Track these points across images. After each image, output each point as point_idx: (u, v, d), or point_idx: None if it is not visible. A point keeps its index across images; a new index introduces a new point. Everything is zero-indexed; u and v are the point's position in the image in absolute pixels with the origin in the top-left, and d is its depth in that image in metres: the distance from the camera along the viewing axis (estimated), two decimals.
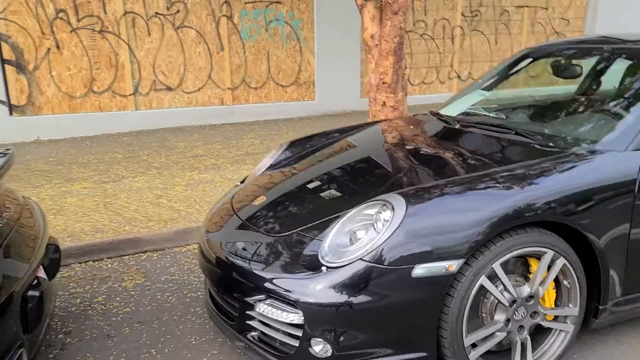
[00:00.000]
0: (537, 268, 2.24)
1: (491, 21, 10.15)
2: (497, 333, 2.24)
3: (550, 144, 2.62)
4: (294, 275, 2.14)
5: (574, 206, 2.24)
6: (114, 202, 4.74)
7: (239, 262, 2.34)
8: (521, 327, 2.28)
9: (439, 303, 2.09)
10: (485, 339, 2.23)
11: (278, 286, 2.15)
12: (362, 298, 2.03)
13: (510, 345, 2.32)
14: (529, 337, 2.29)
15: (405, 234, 2.06)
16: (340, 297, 2.03)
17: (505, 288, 2.21)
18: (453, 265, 2.07)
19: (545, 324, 2.32)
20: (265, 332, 2.28)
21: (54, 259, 2.62)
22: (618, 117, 2.67)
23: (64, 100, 7.83)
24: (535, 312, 2.29)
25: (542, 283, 2.26)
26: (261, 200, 2.74)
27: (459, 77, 10.19)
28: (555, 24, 10.65)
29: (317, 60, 9.02)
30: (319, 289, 2.06)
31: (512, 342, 2.28)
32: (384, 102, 5.36)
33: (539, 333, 2.39)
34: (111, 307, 3.19)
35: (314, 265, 2.14)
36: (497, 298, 2.20)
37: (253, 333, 2.34)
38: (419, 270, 2.04)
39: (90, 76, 7.84)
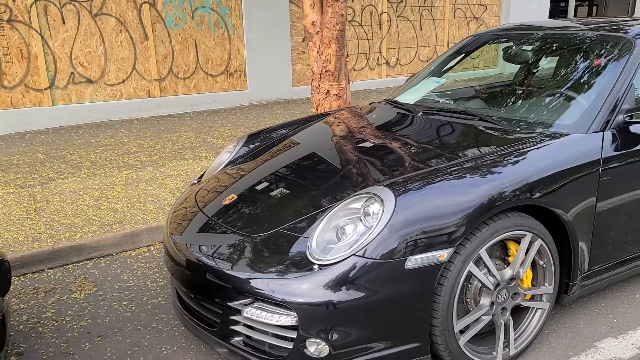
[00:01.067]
0: (518, 251, 2.30)
1: (416, 7, 10.37)
2: (483, 317, 2.28)
3: (516, 129, 2.69)
4: (284, 275, 2.06)
5: (547, 188, 2.31)
6: (45, 207, 4.38)
7: (219, 266, 2.22)
8: (504, 309, 2.33)
9: (431, 293, 2.09)
10: (472, 324, 2.26)
11: (267, 288, 2.06)
12: (357, 294, 1.98)
13: (490, 327, 2.38)
14: (511, 318, 2.35)
15: (397, 226, 2.03)
16: (336, 295, 1.97)
17: (489, 272, 2.24)
18: (444, 254, 2.07)
19: (524, 303, 2.39)
20: (252, 336, 2.18)
21: (3, 274, 2.36)
22: (576, 101, 2.79)
23: None
24: (515, 293, 2.35)
25: (522, 264, 2.32)
26: (231, 198, 2.62)
27: (387, 63, 10.35)
28: (474, 10, 11.08)
29: (247, 49, 8.81)
30: (312, 288, 1.99)
31: (495, 324, 2.33)
32: (328, 91, 5.32)
33: (516, 313, 2.46)
34: (64, 321, 2.94)
35: (303, 264, 2.06)
36: (483, 283, 2.23)
37: (237, 338, 2.23)
38: (412, 261, 2.03)
39: (0, 70, 7.19)
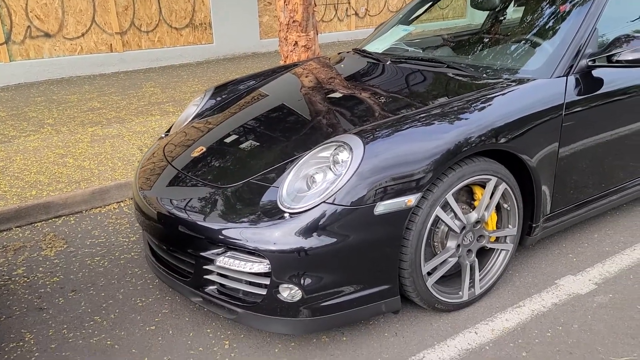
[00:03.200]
0: (483, 194, 2.36)
1: None
2: (449, 259, 2.36)
3: (483, 75, 2.72)
4: (256, 224, 2.08)
5: (511, 132, 2.36)
6: (9, 165, 4.28)
7: (191, 217, 2.22)
8: (469, 251, 2.42)
9: (399, 237, 2.14)
10: (438, 266, 2.35)
11: (239, 237, 2.08)
12: (327, 240, 2.02)
13: (457, 269, 2.47)
14: (476, 260, 2.44)
15: (366, 173, 2.06)
16: (306, 242, 2.01)
17: (456, 216, 2.31)
18: (412, 199, 2.12)
19: (489, 245, 2.48)
20: (226, 284, 2.21)
21: None
22: (541, 46, 2.81)
23: None
24: (481, 236, 2.44)
25: (487, 208, 2.39)
26: (200, 150, 2.60)
27: (356, 14, 10.20)
28: None
29: (212, 0, 8.54)
30: (284, 236, 2.02)
31: (461, 265, 2.42)
32: (296, 42, 5.23)
33: (481, 254, 2.55)
34: (35, 278, 2.93)
35: (274, 213, 2.08)
36: (449, 226, 2.30)
37: (212, 287, 2.27)
38: (381, 207, 2.07)
39: None
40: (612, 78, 2.74)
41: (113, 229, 3.46)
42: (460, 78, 2.75)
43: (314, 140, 2.35)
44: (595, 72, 2.69)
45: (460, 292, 2.44)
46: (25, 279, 2.93)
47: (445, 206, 2.27)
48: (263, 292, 2.11)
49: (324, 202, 2.04)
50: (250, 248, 2.06)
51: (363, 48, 3.56)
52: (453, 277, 2.50)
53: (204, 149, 2.60)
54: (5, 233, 3.49)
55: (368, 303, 2.18)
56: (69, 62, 7.67)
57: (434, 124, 2.24)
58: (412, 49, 3.36)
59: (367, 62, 3.26)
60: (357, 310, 2.18)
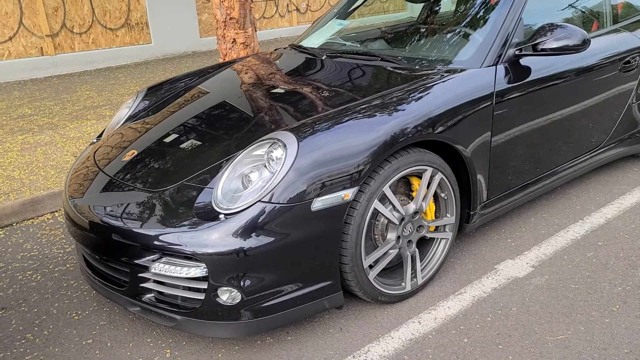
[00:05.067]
0: (420, 185, 2.38)
1: None
2: (390, 251, 2.37)
3: (416, 67, 2.74)
4: (190, 228, 2.02)
5: (444, 122, 2.39)
6: None
7: (123, 224, 2.14)
8: (409, 241, 2.43)
9: (338, 232, 2.13)
10: (380, 258, 2.35)
11: (173, 242, 2.01)
12: (265, 239, 1.99)
13: (399, 260, 2.48)
14: (417, 250, 2.46)
15: (301, 170, 2.03)
16: (244, 242, 1.96)
17: (394, 208, 2.32)
18: (348, 193, 2.11)
19: (429, 234, 2.51)
20: (163, 291, 2.14)
21: None
22: (470, 37, 2.86)
23: None
24: (420, 226, 2.46)
25: (424, 198, 2.41)
26: (131, 154, 2.51)
27: (298, 9, 10.16)
28: None
29: None
30: (219, 238, 1.97)
31: (403, 256, 2.43)
32: (234, 39, 5.15)
33: (422, 244, 2.58)
34: None
35: (209, 215, 2.03)
36: (388, 218, 2.31)
37: (149, 295, 2.19)
38: (318, 203, 2.05)
39: None
40: (540, 66, 2.81)
41: (47, 240, 3.30)
42: (393, 70, 2.77)
43: (249, 139, 2.30)
44: (523, 61, 2.76)
45: (403, 283, 2.45)
46: None
47: (383, 199, 2.27)
48: (201, 296, 2.06)
49: (259, 200, 2.00)
50: (186, 252, 1.99)
51: (299, 44, 3.53)
52: (395, 268, 2.51)
53: (136, 152, 2.51)
54: None
55: (310, 300, 2.16)
56: None
57: (367, 117, 2.24)
58: (348, 43, 3.36)
59: (304, 57, 3.24)
60: (300, 308, 2.15)
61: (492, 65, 2.65)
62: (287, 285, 2.10)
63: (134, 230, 2.10)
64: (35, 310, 2.62)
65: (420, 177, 2.40)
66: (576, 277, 2.59)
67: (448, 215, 2.56)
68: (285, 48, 3.62)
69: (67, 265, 2.99)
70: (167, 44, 8.62)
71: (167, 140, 2.56)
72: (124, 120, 2.98)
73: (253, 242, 1.97)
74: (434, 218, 2.53)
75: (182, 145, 2.48)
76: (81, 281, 2.82)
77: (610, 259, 2.72)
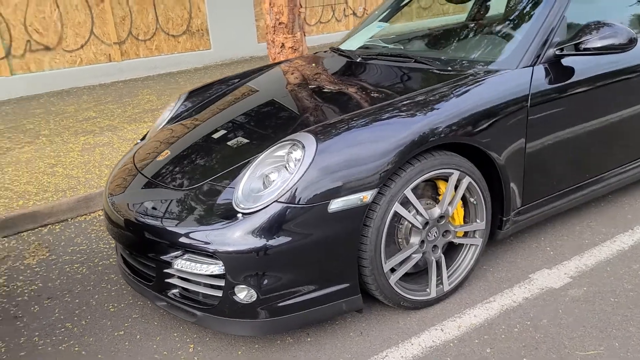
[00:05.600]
0: (446, 189, 2.32)
1: None
2: (413, 255, 2.32)
3: (448, 69, 2.68)
4: (210, 226, 2.07)
5: (474, 126, 2.32)
6: (0, 177, 4.34)
7: (150, 221, 2.23)
8: (435, 246, 2.38)
9: (357, 234, 2.12)
10: (403, 262, 2.31)
11: (194, 239, 2.08)
12: (281, 240, 2.01)
13: (426, 266, 2.43)
14: (443, 256, 2.40)
15: (318, 171, 2.04)
16: (260, 242, 2.00)
17: (417, 212, 2.27)
18: (367, 195, 2.09)
19: (456, 240, 2.44)
20: (187, 287, 2.21)
21: None
22: (508, 37, 2.77)
23: None
24: (447, 231, 2.40)
25: (450, 203, 2.35)
26: (165, 154, 2.61)
27: (354, 13, 10.17)
28: None
29: (207, 6, 8.60)
30: (236, 237, 2.01)
31: (427, 261, 2.38)
32: (283, 44, 5.24)
33: (451, 250, 2.51)
34: (15, 287, 2.96)
35: (229, 214, 2.08)
36: (410, 222, 2.27)
37: (174, 291, 2.27)
38: (335, 204, 2.04)
39: None
40: (584, 66, 2.67)
41: (95, 235, 3.49)
42: (425, 72, 2.72)
43: (274, 139, 2.33)
44: (565, 61, 2.63)
45: (428, 289, 2.40)
46: (5, 288, 2.96)
47: (406, 202, 2.24)
48: (219, 294, 2.11)
49: (276, 201, 2.03)
50: (204, 250, 2.05)
51: (338, 47, 3.54)
52: (422, 273, 2.46)
53: (169, 153, 2.61)
54: None
55: (327, 302, 2.16)
56: (69, 73, 7.77)
57: (390, 119, 2.22)
58: (387, 45, 3.33)
59: (339, 60, 3.24)
60: (317, 310, 2.15)
61: (529, 66, 2.54)
62: (303, 286, 2.10)
63: (159, 227, 2.18)
64: (77, 301, 2.77)
65: (447, 181, 2.35)
66: (617, 290, 2.44)
67: (478, 220, 2.48)
68: (325, 51, 3.64)
69: (110, 260, 3.14)
70: (226, 50, 8.87)
71: (199, 141, 2.64)
72: (165, 122, 3.10)
73: (268, 241, 2.00)
74: (462, 223, 2.46)
75: (212, 146, 2.55)
76: (121, 275, 2.95)
77: None
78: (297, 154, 2.11)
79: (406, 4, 3.74)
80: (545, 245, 2.86)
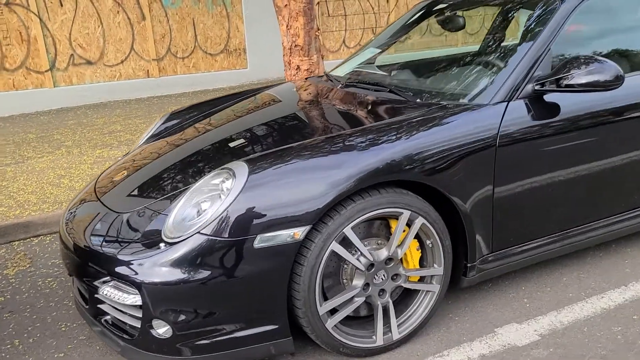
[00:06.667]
0: (394, 230, 2.15)
1: None
2: (356, 298, 2.16)
3: (417, 100, 2.52)
4: (134, 254, 2.00)
5: (432, 165, 2.14)
6: (10, 185, 4.49)
7: (86, 243, 2.18)
8: (382, 290, 2.20)
9: (286, 273, 1.98)
10: (344, 304, 2.15)
11: (118, 266, 2.01)
12: (200, 274, 1.90)
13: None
14: (390, 301, 2.22)
15: (246, 202, 1.93)
16: (177, 275, 1.90)
17: (360, 252, 2.11)
18: (298, 232, 1.96)
19: (408, 285, 2.25)
20: (116, 315, 2.14)
21: None
22: (488, 70, 2.58)
23: None
24: (396, 275, 2.22)
25: (401, 244, 2.18)
26: (121, 175, 2.58)
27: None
28: None
29: (246, 26, 8.73)
30: (154, 268, 1.92)
31: (373, 306, 2.20)
32: (298, 66, 5.19)
33: (407, 295, 2.33)
34: None
35: (154, 243, 2.00)
36: (351, 262, 2.11)
37: (107, 317, 2.20)
38: (262, 240, 1.93)
39: (1, 53, 7.40)
40: (570, 104, 2.44)
41: None
42: (394, 103, 2.56)
43: (214, 167, 2.25)
44: (549, 97, 2.41)
45: (374, 337, 2.22)
46: None
47: (346, 241, 2.08)
48: (139, 325, 2.02)
49: (198, 232, 1.93)
50: (125, 278, 1.98)
51: (331, 71, 3.44)
52: (371, 319, 2.29)
53: (125, 173, 2.58)
54: None
55: (253, 343, 2.03)
56: (108, 87, 8.06)
57: (334, 152, 2.08)
58: (376, 72, 3.19)
59: (322, 86, 3.14)
60: (242, 350, 2.03)
61: (503, 102, 2.34)
62: (226, 324, 1.99)
63: (91, 250, 2.14)
64: (35, 316, 2.76)
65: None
66: (587, 355, 2.17)
67: (435, 265, 2.28)
68: (320, 76, 3.55)
69: None
70: (262, 70, 8.94)
71: (156, 163, 2.59)
72: (141, 142, 3.09)
73: (185, 275, 1.90)
74: (417, 267, 2.27)
75: (165, 169, 2.49)
76: None
77: (639, 339, 2.25)
78: (229, 183, 2.01)
79: (407, 30, 3.60)
80: (523, 296, 2.60)
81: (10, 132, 6.48)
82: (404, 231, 2.19)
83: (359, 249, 2.10)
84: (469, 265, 2.36)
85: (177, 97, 8.12)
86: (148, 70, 8.24)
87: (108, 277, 2.08)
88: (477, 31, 3.53)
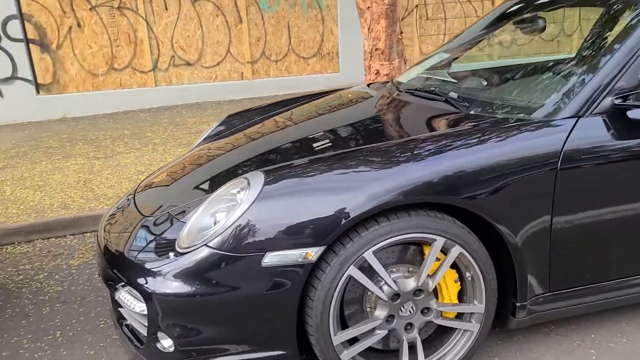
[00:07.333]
0: (425, 258, 1.90)
1: None
2: (378, 331, 1.93)
3: (472, 112, 2.23)
4: (146, 260, 1.95)
5: (474, 187, 1.87)
6: (95, 178, 4.74)
7: (109, 245, 2.17)
8: (410, 324, 1.96)
9: (296, 296, 1.82)
10: (365, 336, 1.94)
11: (130, 271, 1.96)
12: (205, 289, 1.80)
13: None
14: (418, 337, 1.97)
15: (257, 216, 1.79)
16: (180, 288, 1.81)
17: (384, 281, 1.89)
18: (311, 253, 1.79)
19: (440, 322, 1.99)
20: (131, 321, 2.10)
21: None
22: (556, 80, 2.23)
23: (87, 78, 7.97)
24: (427, 308, 1.96)
25: (433, 275, 1.92)
26: (160, 177, 2.55)
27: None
28: None
29: (340, 30, 8.64)
30: (160, 277, 1.85)
31: (399, 341, 1.97)
32: (378, 70, 5.00)
33: (443, 333, 2.06)
34: (46, 285, 3.14)
35: (165, 251, 1.93)
36: (371, 291, 1.89)
37: (127, 322, 2.17)
38: (270, 258, 1.78)
39: (111, 53, 7.92)
40: None
41: None
42: (445, 114, 2.29)
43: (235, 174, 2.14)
44: (632, 113, 2.03)
45: None
46: (39, 284, 3.16)
47: (368, 266, 1.87)
48: (145, 334, 1.96)
49: (205, 245, 1.83)
50: (134, 284, 1.92)
51: (397, 79, 3.21)
52: (397, 354, 2.05)
53: (164, 176, 2.55)
54: (60, 239, 3.84)
55: None
56: (204, 88, 8.35)
57: (356, 167, 1.88)
58: (439, 79, 2.92)
59: (378, 93, 2.92)
60: None
61: (573, 117, 2.00)
62: (232, 344, 1.87)
63: (111, 251, 2.12)
64: (82, 310, 2.84)
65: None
66: None
67: (475, 302, 1.99)
68: (385, 83, 3.34)
69: None
70: (354, 74, 8.79)
71: (195, 167, 2.54)
72: (196, 144, 3.07)
73: (188, 289, 1.81)
74: (455, 301, 2.00)
75: (202, 174, 2.43)
76: None
77: None
78: (243, 193, 1.88)
79: (485, 34, 3.27)
80: (591, 346, 2.22)
81: (110, 127, 6.91)
82: (438, 260, 1.93)
83: (381, 277, 1.88)
84: (518, 304, 2.04)
85: (267, 99, 8.21)
86: (242, 73, 8.43)
87: (124, 282, 2.04)
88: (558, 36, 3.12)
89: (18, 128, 7.24)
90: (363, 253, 1.83)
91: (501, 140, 1.94)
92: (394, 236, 1.84)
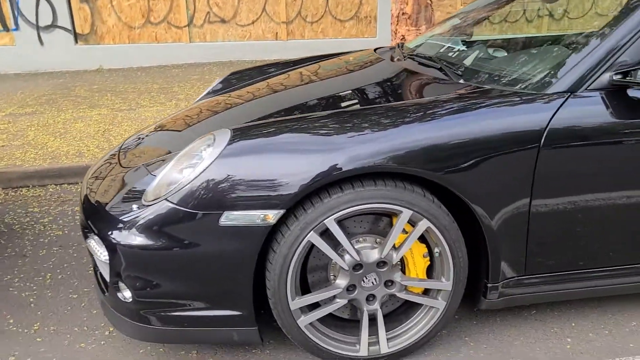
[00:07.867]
0: (391, 230, 1.84)
1: None
2: (338, 299, 1.90)
3: (461, 81, 2.11)
4: (113, 210, 1.95)
5: (448, 161, 1.77)
6: (113, 129, 4.82)
7: (87, 193, 2.20)
8: (372, 296, 1.91)
9: (252, 257, 1.79)
10: (325, 303, 1.91)
11: (98, 220, 1.98)
12: (164, 243, 1.79)
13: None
14: (380, 309, 1.92)
15: (218, 174, 1.76)
16: (140, 240, 1.81)
17: (345, 250, 1.84)
18: (271, 215, 1.75)
19: (404, 296, 1.93)
20: (99, 268, 2.14)
21: None
22: (556, 54, 2.07)
23: (124, 30, 8.05)
24: (391, 281, 1.91)
25: (398, 247, 1.86)
26: (147, 130, 2.55)
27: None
28: None
29: None
30: (121, 228, 1.85)
31: (359, 312, 1.93)
32: (404, 36, 4.83)
33: (410, 308, 2.01)
34: (49, 229, 3.24)
35: (131, 203, 1.93)
36: (332, 259, 1.85)
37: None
38: (228, 218, 1.75)
39: (148, 6, 7.96)
40: None
41: None
42: (434, 82, 2.18)
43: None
44: (632, 92, 1.87)
45: (358, 346, 1.95)
46: (42, 227, 3.27)
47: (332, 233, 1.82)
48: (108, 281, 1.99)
49: (165, 199, 1.81)
50: (98, 233, 1.94)
51: (406, 42, 3.08)
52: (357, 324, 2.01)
53: (152, 129, 2.55)
54: (72, 186, 3.95)
55: (216, 326, 1.89)
56: (237, 46, 8.31)
57: (326, 130, 1.81)
58: (442, 46, 2.77)
59: (381, 57, 2.81)
60: (206, 331, 1.90)
61: (564, 92, 1.85)
62: (189, 300, 1.87)
63: (90, 200, 2.14)
64: (75, 255, 2.92)
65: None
66: None
67: (443, 279, 1.92)
68: (393, 48, 3.20)
69: None
70: (389, 39, 8.56)
71: (181, 123, 2.52)
72: (196, 100, 3.05)
73: (149, 242, 1.80)
74: (424, 277, 1.93)
75: (186, 130, 2.41)
76: None
77: None
78: (208, 150, 1.85)
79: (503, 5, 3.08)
80: (569, 334, 2.12)
81: (141, 80, 6.99)
82: (406, 233, 1.86)
83: (343, 245, 1.83)
84: (489, 285, 1.95)
85: None
86: (277, 33, 8.33)
87: (96, 230, 2.07)
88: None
89: (55, 76, 7.44)
90: (324, 220, 1.78)
91: (481, 112, 1.83)
92: (358, 205, 1.78)
